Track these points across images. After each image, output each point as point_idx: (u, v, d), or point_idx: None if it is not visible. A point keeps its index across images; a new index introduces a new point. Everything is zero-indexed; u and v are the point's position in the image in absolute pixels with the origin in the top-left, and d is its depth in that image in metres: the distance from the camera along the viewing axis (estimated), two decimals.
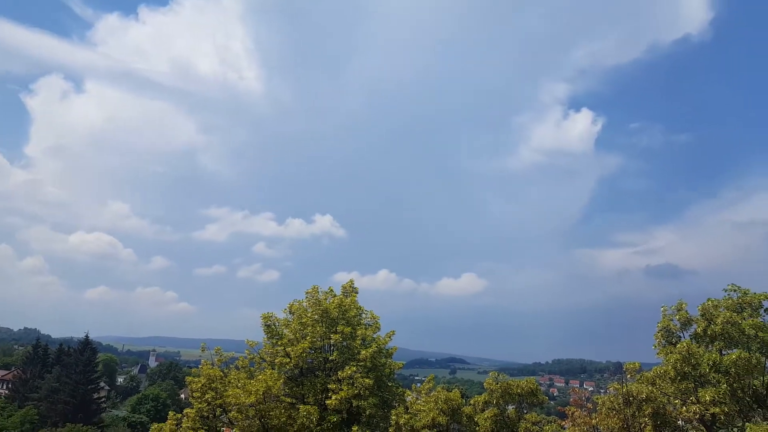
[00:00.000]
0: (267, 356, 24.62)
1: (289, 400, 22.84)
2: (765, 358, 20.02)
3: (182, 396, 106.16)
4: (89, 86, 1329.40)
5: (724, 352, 20.35)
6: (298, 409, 21.86)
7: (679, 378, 20.38)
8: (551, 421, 24.35)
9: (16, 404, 79.05)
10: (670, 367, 20.50)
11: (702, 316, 21.33)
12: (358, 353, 23.22)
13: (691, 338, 21.54)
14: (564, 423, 24.96)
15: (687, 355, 20.00)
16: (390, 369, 24.68)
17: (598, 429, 22.89)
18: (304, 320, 24.16)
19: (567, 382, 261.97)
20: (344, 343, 23.94)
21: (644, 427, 21.06)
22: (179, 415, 22.81)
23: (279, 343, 24.25)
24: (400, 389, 25.21)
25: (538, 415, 24.31)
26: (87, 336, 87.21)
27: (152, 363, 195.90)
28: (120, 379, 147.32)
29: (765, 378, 20.33)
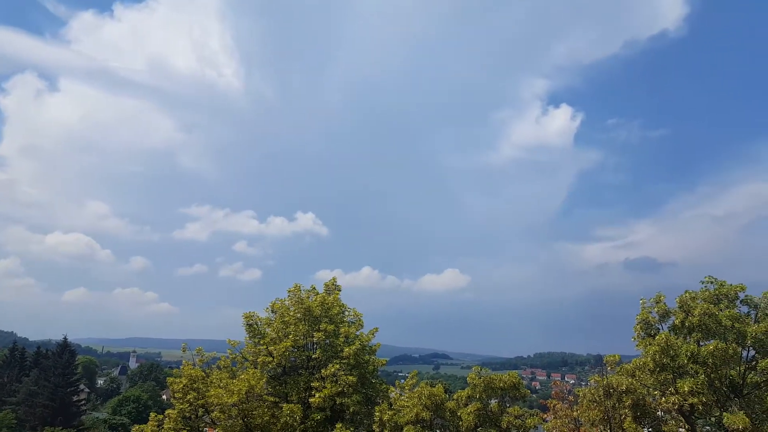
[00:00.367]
0: (249, 355, 24.48)
1: (272, 399, 22.74)
2: (741, 349, 20.42)
3: (164, 397, 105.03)
4: (64, 85, 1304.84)
5: (701, 343, 20.69)
6: (282, 407, 21.77)
7: (658, 369, 20.68)
8: (533, 414, 24.55)
9: None
10: (649, 359, 20.80)
11: (680, 308, 21.64)
12: (342, 351, 23.18)
13: (669, 330, 21.86)
14: (546, 416, 25.19)
15: (666, 347, 20.29)
16: (373, 366, 24.70)
17: (579, 421, 23.15)
18: (286, 319, 24.05)
19: (549, 376, 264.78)
20: (327, 341, 23.89)
21: (624, 418, 21.34)
22: (161, 417, 22.60)
23: (261, 342, 24.11)
24: (384, 386, 25.25)
25: (520, 408, 24.47)
26: (65, 338, 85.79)
27: (133, 364, 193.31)
28: (100, 381, 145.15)
29: (741, 368, 20.75)
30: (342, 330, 24.11)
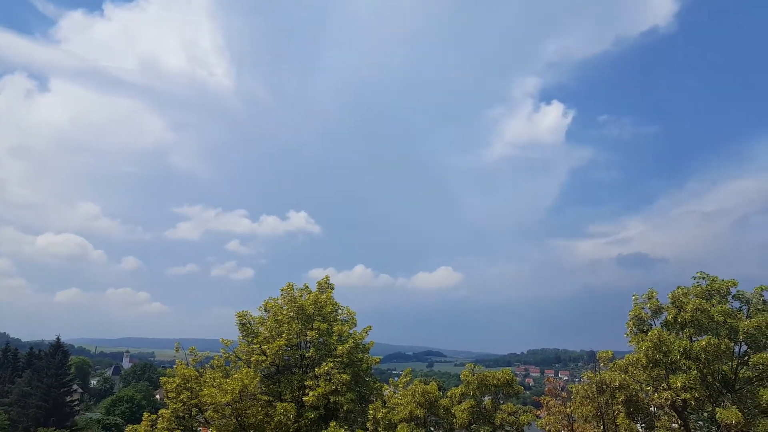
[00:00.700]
0: (243, 355, 24.38)
1: (265, 398, 22.65)
2: (733, 344, 20.53)
3: (157, 397, 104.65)
4: (54, 84, 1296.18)
5: (694, 339, 20.79)
6: (275, 406, 21.69)
7: (650, 365, 20.77)
8: (527, 411, 24.61)
9: None
10: (642, 355, 20.88)
11: (672, 303, 21.75)
12: (335, 349, 23.13)
13: (662, 326, 21.95)
14: (539, 412, 25.25)
15: (658, 343, 20.38)
16: (367, 364, 24.66)
17: (572, 417, 23.22)
18: (279, 318, 23.96)
19: (542, 372, 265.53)
20: (321, 340, 23.83)
21: (617, 414, 21.43)
22: (154, 416, 22.48)
23: (255, 341, 24.01)
24: (378, 384, 25.22)
25: (514, 405, 24.53)
26: (58, 339, 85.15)
27: (126, 364, 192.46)
28: (93, 382, 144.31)
29: (733, 363, 20.87)
30: (335, 328, 24.05)
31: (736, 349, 20.94)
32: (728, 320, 20.44)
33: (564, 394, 25.05)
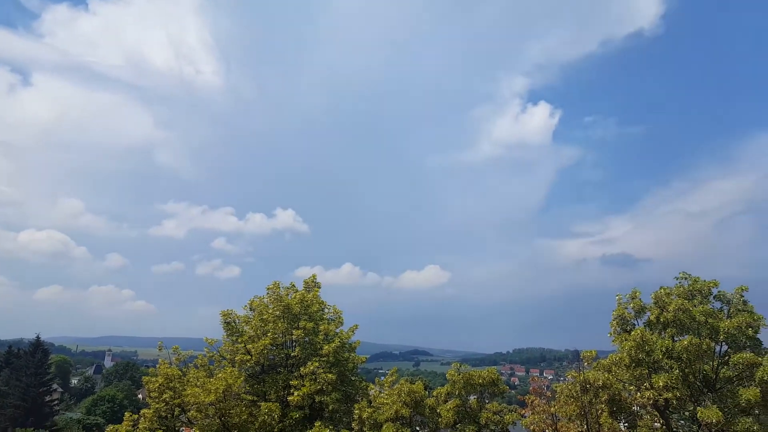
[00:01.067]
0: (227, 354, 24.18)
1: (250, 397, 22.51)
2: (714, 344, 20.81)
3: (140, 396, 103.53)
4: (37, 79, 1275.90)
5: (676, 339, 21.04)
6: (260, 406, 21.56)
7: (633, 365, 20.97)
8: (512, 410, 24.71)
9: None
10: (625, 354, 21.09)
11: (655, 303, 22.00)
12: (321, 348, 23.04)
13: (645, 325, 22.19)
14: (524, 411, 25.37)
15: (641, 342, 20.59)
16: (353, 363, 24.60)
17: (556, 416, 23.36)
18: (265, 317, 23.80)
19: (528, 371, 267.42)
20: (306, 339, 23.71)
21: (601, 413, 21.60)
22: (135, 416, 22.20)
23: (239, 340, 23.83)
24: (364, 383, 25.17)
25: (499, 404, 24.63)
26: (38, 337, 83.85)
27: (108, 363, 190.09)
28: (74, 381, 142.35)
29: (714, 363, 21.16)
30: (321, 327, 23.94)
31: (717, 348, 21.25)
32: (709, 320, 20.73)
33: (548, 393, 25.20)
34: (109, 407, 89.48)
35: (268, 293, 25.20)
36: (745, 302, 21.49)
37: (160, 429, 21.67)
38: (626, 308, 22.90)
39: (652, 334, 21.45)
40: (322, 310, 25.35)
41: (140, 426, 21.69)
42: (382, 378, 28.59)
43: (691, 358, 20.17)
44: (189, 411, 21.73)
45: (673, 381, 19.90)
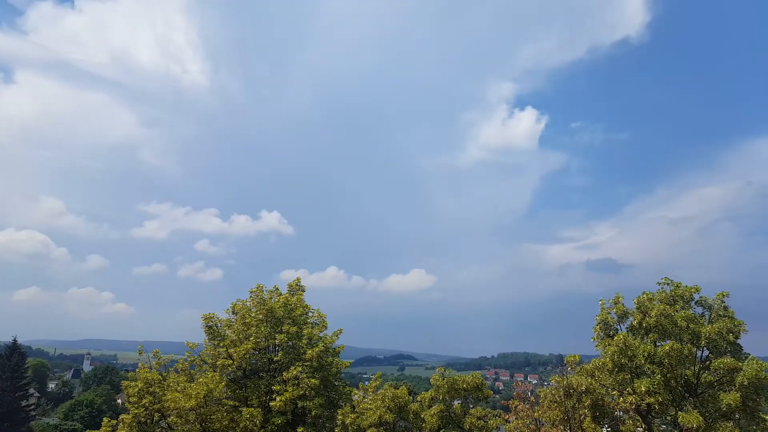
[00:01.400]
0: (208, 358, 23.84)
1: (231, 402, 22.21)
2: (696, 349, 21.01)
3: (119, 401, 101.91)
4: (20, 76, 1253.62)
5: (658, 344, 21.20)
6: (241, 411, 21.26)
7: (616, 369, 21.09)
8: (496, 415, 24.74)
9: None
10: (608, 359, 21.20)
11: (638, 309, 22.15)
12: (304, 353, 22.81)
13: (627, 330, 22.32)
14: (508, 416, 25.38)
15: (624, 347, 20.72)
16: (337, 368, 24.38)
17: (540, 421, 23.39)
18: (247, 320, 23.52)
19: (512, 376, 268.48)
20: (290, 343, 23.47)
21: (584, 418, 21.66)
22: (114, 422, 21.82)
23: (221, 344, 23.51)
24: (347, 388, 24.97)
25: (483, 409, 24.64)
26: (15, 340, 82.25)
27: (87, 367, 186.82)
28: (51, 385, 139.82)
29: (696, 368, 21.35)
30: (305, 332, 23.72)
31: (699, 354, 21.45)
32: (691, 326, 20.92)
33: (532, 398, 25.24)
34: (87, 412, 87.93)
35: (251, 296, 24.92)
36: (726, 308, 21.72)
37: None
38: (609, 313, 23.04)
39: (635, 339, 21.59)
40: (306, 314, 25.11)
41: (119, 431, 21.32)
42: (366, 383, 28.44)
43: (672, 363, 20.34)
44: (169, 416, 21.40)
45: (655, 386, 20.05)
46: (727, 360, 20.08)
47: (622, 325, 22.77)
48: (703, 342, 20.85)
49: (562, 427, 22.09)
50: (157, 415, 21.81)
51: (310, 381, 21.54)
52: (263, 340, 23.38)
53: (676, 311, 21.37)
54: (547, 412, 22.41)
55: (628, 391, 20.81)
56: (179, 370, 23.86)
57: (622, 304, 22.88)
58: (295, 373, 21.73)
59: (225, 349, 23.15)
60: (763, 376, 19.47)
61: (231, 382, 23.29)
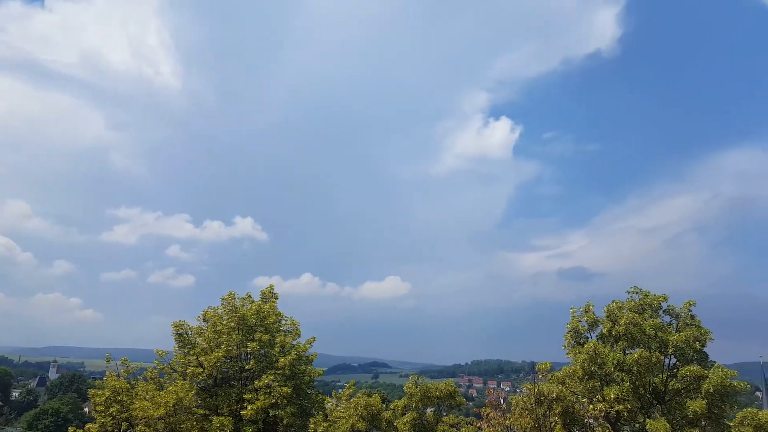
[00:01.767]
0: (178, 366, 23.48)
1: (201, 411, 21.89)
2: (664, 357, 21.43)
3: (86, 410, 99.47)
4: None
5: (627, 352, 21.57)
6: (212, 420, 20.97)
7: (586, 377, 21.38)
8: (469, 423, 24.80)
9: None
10: (578, 367, 21.48)
11: (608, 317, 22.51)
12: (277, 361, 22.61)
13: (597, 338, 22.66)
14: (480, 424, 25.49)
15: (594, 355, 21.02)
16: (310, 376, 24.21)
17: (511, 429, 23.55)
18: (219, 328, 23.22)
19: (485, 383, 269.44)
20: (262, 351, 23.24)
21: (554, 425, 21.88)
22: (80, 431, 21.31)
23: (192, 352, 23.17)
24: (320, 396, 24.80)
25: (456, 417, 24.68)
26: None
27: (53, 375, 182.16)
28: (15, 394, 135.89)
29: (663, 375, 21.77)
30: (278, 339, 23.51)
31: (666, 361, 21.88)
32: (659, 334, 21.36)
33: (504, 405, 25.41)
34: (52, 421, 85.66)
35: (222, 304, 24.62)
36: (692, 316, 22.25)
37: None
38: (580, 321, 23.35)
39: (605, 347, 21.92)
40: (279, 321, 24.90)
41: None
42: (340, 391, 28.29)
43: (641, 371, 20.70)
44: (137, 425, 20.97)
45: (624, 393, 20.38)
46: (694, 368, 20.55)
47: (592, 333, 23.10)
48: (671, 350, 21.30)
49: None
50: (124, 425, 21.44)
51: (282, 389, 21.34)
52: (235, 348, 23.11)
53: (645, 320, 21.79)
54: (518, 419, 22.59)
55: (597, 398, 21.12)
56: (148, 378, 23.45)
57: (593, 313, 23.22)
58: (267, 381, 21.52)
59: (195, 357, 22.82)
60: (728, 384, 19.99)
61: (201, 391, 22.95)
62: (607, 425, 21.84)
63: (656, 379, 21.84)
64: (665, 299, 22.81)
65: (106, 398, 21.50)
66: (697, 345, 21.25)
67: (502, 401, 27.13)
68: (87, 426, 21.44)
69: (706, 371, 20.52)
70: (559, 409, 21.60)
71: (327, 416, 23.79)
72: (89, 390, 23.69)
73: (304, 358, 24.26)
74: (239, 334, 23.09)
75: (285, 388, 21.38)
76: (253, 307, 24.23)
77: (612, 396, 20.21)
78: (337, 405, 26.27)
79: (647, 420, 19.77)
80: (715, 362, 21.49)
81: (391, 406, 25.92)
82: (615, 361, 20.89)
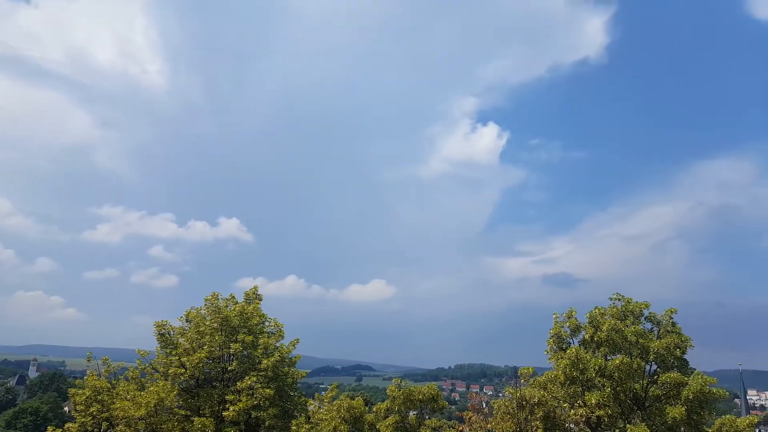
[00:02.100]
0: (160, 366, 23.34)
1: (183, 412, 21.78)
2: (645, 363, 21.69)
3: (66, 409, 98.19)
4: None
5: (608, 358, 21.79)
6: (193, 421, 20.85)
7: (568, 382, 21.56)
8: (451, 426, 24.89)
9: None
10: (560, 372, 21.64)
11: (590, 323, 22.74)
12: (260, 363, 22.54)
13: (579, 344, 22.87)
14: (462, 427, 25.58)
15: (576, 361, 21.20)
16: (293, 378, 24.17)
17: None
18: (201, 329, 23.11)
19: (468, 387, 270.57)
20: (245, 353, 23.16)
21: (536, 430, 22.01)
22: (60, 430, 21.10)
23: (174, 352, 23.05)
24: (303, 398, 24.76)
25: (438, 420, 24.75)
26: None
27: (32, 373, 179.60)
28: None
29: (644, 381, 22.02)
30: (261, 341, 23.43)
31: (647, 368, 22.15)
32: (640, 340, 21.61)
33: (486, 409, 25.52)
34: (31, 420, 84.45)
35: (206, 304, 24.51)
36: (673, 324, 22.55)
37: None
38: (563, 327, 23.54)
39: (587, 352, 22.12)
40: (263, 323, 24.84)
41: None
42: (323, 393, 28.24)
43: (622, 377, 20.92)
44: (117, 425, 20.84)
45: (605, 399, 20.57)
46: (674, 374, 20.82)
47: (574, 339, 23.31)
48: (652, 357, 21.57)
49: None
50: (105, 424, 21.33)
51: (264, 391, 21.28)
52: (217, 349, 23.00)
53: (627, 326, 22.04)
54: (500, 423, 22.67)
55: (579, 403, 21.29)
56: (129, 378, 23.30)
57: (575, 318, 23.43)
58: (249, 382, 21.46)
59: (178, 358, 22.70)
60: (707, 391, 20.29)
61: (183, 391, 22.82)
62: (588, 430, 22.03)
63: (637, 386, 22.08)
64: (647, 306, 23.09)
65: (87, 398, 21.38)
66: (678, 352, 21.55)
67: (484, 405, 27.24)
68: (66, 425, 21.26)
69: (686, 378, 20.80)
70: (541, 413, 21.73)
71: (309, 418, 23.75)
72: (69, 389, 23.47)
73: (287, 360, 24.21)
74: (222, 335, 22.98)
75: (268, 390, 21.32)
76: (237, 308, 24.15)
77: (593, 401, 20.39)
78: (319, 407, 26.21)
79: (628, 426, 19.97)
80: (695, 369, 21.80)
81: (374, 409, 25.90)
82: (596, 367, 21.09)
